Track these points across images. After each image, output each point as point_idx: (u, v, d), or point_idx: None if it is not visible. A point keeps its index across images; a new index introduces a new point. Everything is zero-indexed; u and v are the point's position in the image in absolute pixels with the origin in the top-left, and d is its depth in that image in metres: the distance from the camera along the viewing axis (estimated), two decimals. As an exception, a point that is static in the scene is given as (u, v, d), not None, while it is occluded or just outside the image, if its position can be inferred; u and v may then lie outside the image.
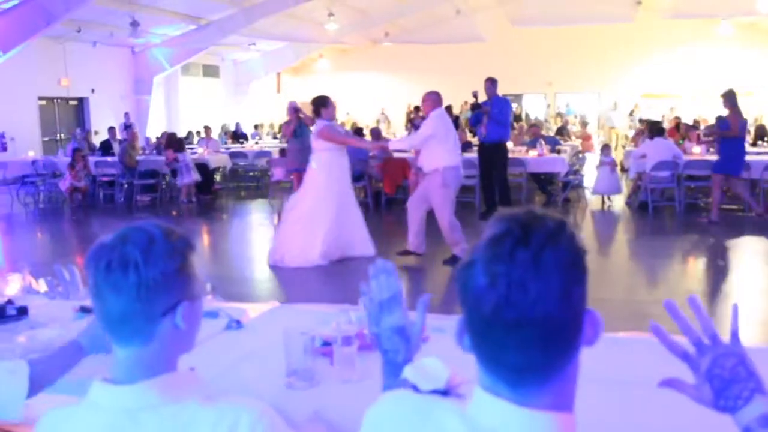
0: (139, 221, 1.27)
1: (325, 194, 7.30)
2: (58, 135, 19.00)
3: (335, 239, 7.33)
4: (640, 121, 15.30)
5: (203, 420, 1.18)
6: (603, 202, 11.24)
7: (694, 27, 23.43)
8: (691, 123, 15.57)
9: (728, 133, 9.16)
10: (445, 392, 1.16)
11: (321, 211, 7.28)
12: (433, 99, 7.13)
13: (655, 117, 18.93)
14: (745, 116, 9.44)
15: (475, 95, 10.04)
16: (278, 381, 1.99)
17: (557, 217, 0.96)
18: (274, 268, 7.41)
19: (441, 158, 6.96)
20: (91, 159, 13.18)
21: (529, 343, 0.92)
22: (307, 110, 9.88)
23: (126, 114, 17.28)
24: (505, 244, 0.91)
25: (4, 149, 16.60)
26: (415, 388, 1.18)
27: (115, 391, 1.21)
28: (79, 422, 1.23)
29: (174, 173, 12.62)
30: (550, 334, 0.92)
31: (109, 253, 1.21)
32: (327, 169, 7.37)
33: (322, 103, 7.54)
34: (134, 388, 1.20)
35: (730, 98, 9.13)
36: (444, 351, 1.40)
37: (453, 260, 7.18)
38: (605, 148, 11.65)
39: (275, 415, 1.22)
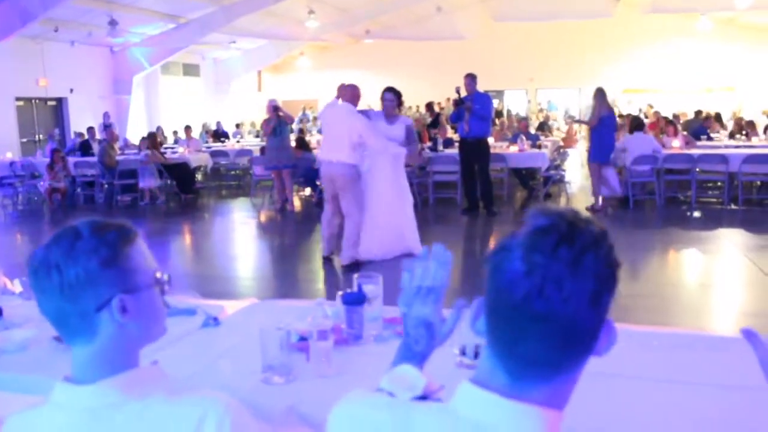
0: (73, 221, 1.26)
1: None
2: (37, 136, 18.81)
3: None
4: (621, 116, 15.34)
5: (169, 415, 1.16)
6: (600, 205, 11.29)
7: (674, 22, 23.63)
8: (670, 117, 15.65)
9: (584, 122, 11.44)
10: (423, 398, 1.16)
11: None
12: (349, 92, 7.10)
13: (635, 112, 19.04)
14: (612, 109, 10.82)
15: (458, 91, 10.04)
16: (255, 377, 1.98)
17: (601, 225, 0.97)
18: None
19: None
20: (71, 159, 13.06)
21: (550, 338, 0.93)
22: (291, 108, 9.86)
23: (105, 114, 17.13)
24: (550, 237, 0.92)
25: (-18, 151, 16.42)
26: (392, 396, 1.18)
27: (77, 391, 1.19)
28: (42, 424, 1.21)
29: (126, 174, 12.49)
30: (572, 334, 0.94)
31: (35, 257, 1.21)
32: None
33: None
34: (96, 387, 1.18)
35: (595, 94, 10.22)
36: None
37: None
38: None
39: (242, 409, 1.20)
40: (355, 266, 6.76)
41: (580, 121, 11.71)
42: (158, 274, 1.30)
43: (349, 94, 7.05)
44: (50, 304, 1.19)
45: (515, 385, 0.96)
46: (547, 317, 0.91)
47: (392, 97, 7.21)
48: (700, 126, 14.48)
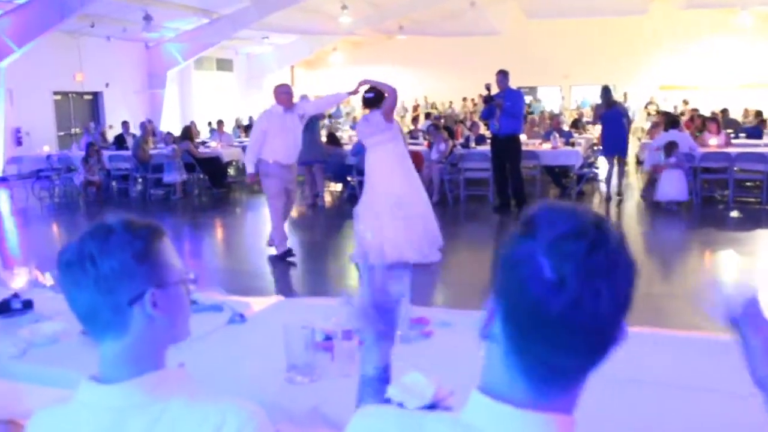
0: (107, 216, 1.27)
1: None
2: (73, 129, 19.10)
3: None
4: (658, 113, 15.14)
5: (189, 419, 1.16)
6: (612, 196, 11.13)
7: (710, 18, 23.19)
8: (708, 115, 15.37)
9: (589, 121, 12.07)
10: (432, 407, 1.13)
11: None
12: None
13: (671, 109, 18.76)
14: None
15: (487, 87, 9.95)
16: (279, 376, 1.97)
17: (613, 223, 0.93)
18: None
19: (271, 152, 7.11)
20: (105, 153, 13.22)
21: (584, 348, 0.90)
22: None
23: (148, 120, 17.24)
24: (581, 243, 0.87)
25: (20, 144, 16.73)
26: (401, 406, 1.15)
27: (102, 390, 1.19)
28: (68, 422, 1.21)
29: (160, 168, 12.58)
30: (604, 342, 0.90)
31: (68, 251, 1.21)
32: None
33: None
34: (121, 387, 1.18)
35: (601, 93, 11.20)
36: (448, 346, 1.37)
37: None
38: (670, 146, 10.10)
39: (264, 419, 1.19)
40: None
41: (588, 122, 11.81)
42: (186, 273, 1.30)
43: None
44: (83, 297, 1.19)
45: (536, 396, 0.92)
46: (586, 328, 0.87)
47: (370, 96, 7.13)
48: (756, 126, 14.16)
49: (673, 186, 9.89)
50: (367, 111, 7.43)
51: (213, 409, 1.17)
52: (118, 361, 1.21)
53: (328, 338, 2.12)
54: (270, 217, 7.52)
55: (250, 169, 7.26)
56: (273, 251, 7.57)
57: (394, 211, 6.74)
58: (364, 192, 7.19)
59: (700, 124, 12.98)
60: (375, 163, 7.00)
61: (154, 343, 1.23)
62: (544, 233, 0.89)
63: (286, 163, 7.23)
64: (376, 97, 7.05)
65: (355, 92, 7.28)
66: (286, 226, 7.78)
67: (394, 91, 6.99)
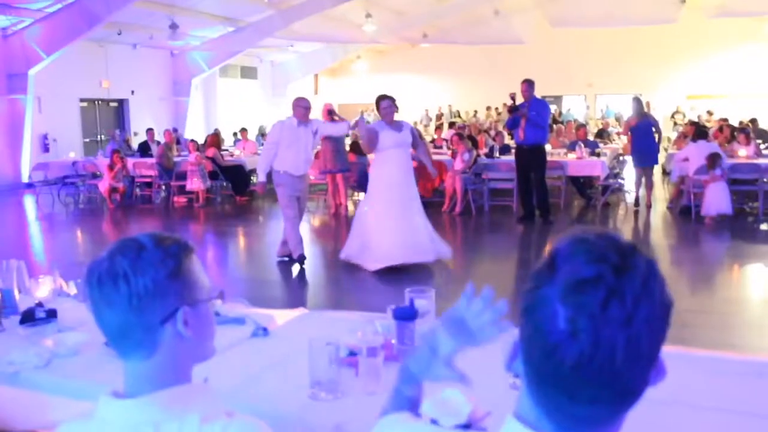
0: (135, 233, 1.25)
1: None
2: (99, 136, 19.29)
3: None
4: (685, 123, 14.98)
5: None
6: (641, 207, 10.99)
7: (740, 26, 22.91)
8: (737, 124, 15.17)
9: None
10: (467, 426, 1.09)
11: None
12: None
13: (697, 119, 18.55)
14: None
15: (512, 97, 9.89)
16: (302, 391, 1.94)
17: (645, 253, 0.88)
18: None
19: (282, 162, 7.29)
20: (130, 160, 13.33)
21: (602, 400, 0.86)
22: (348, 112, 9.89)
23: (173, 129, 17.38)
24: (597, 293, 0.82)
25: (47, 150, 16.92)
26: (435, 423, 1.11)
27: (119, 406, 1.18)
28: None
29: (183, 176, 12.64)
30: (626, 393, 0.86)
31: (99, 267, 1.19)
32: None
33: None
34: (138, 402, 1.17)
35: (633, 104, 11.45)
36: (475, 362, 1.33)
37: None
38: (714, 158, 9.80)
39: None
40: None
41: (618, 133, 11.95)
42: (214, 291, 1.29)
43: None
44: (114, 315, 1.17)
45: None
46: (600, 383, 0.83)
47: (389, 103, 7.15)
48: None
49: (719, 199, 9.62)
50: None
51: (223, 428, 1.15)
52: (143, 378, 1.20)
53: (353, 354, 2.08)
54: (283, 225, 7.67)
55: (261, 177, 7.51)
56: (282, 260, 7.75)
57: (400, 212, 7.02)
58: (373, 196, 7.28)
59: (729, 134, 12.79)
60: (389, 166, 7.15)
61: (181, 361, 1.22)
62: (562, 275, 0.85)
63: (296, 174, 7.39)
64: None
65: (354, 126, 7.52)
66: (305, 234, 7.84)
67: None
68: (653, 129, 10.97)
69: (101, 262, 1.20)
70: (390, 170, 7.13)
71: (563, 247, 0.88)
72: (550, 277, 0.86)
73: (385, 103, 7.17)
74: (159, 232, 1.24)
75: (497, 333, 1.26)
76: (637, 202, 11.05)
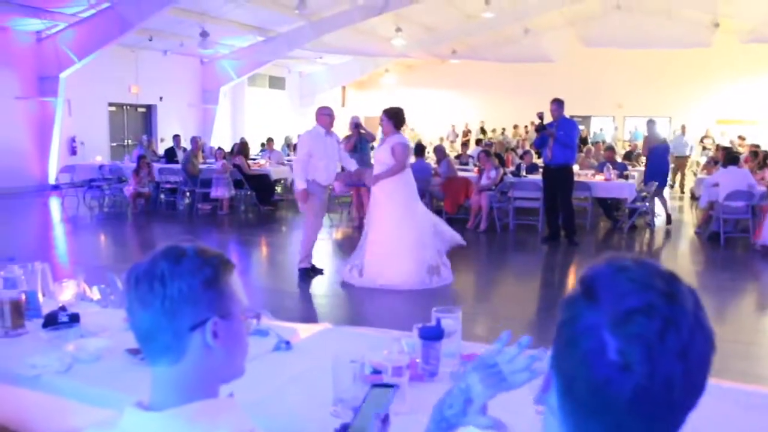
0: (159, 238, 1.23)
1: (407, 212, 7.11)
2: (126, 141, 19.47)
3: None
4: (719, 148, 14.82)
5: None
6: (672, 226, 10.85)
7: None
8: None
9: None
10: None
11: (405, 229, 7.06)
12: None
13: (728, 143, 18.31)
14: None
15: (540, 116, 9.82)
16: (324, 408, 1.91)
17: (684, 280, 0.84)
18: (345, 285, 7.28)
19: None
20: (156, 166, 13.42)
21: (648, 428, 0.81)
22: (375, 125, 9.87)
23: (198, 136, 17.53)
24: (651, 323, 0.78)
25: (74, 153, 17.10)
26: None
27: (145, 418, 1.17)
28: None
29: (208, 183, 12.67)
30: (677, 426, 0.82)
31: (140, 268, 1.21)
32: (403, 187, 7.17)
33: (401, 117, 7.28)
34: (164, 416, 1.15)
35: (648, 126, 12.70)
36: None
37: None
38: None
39: None
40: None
41: (638, 154, 12.80)
42: (251, 311, 1.27)
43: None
44: (146, 316, 1.18)
45: None
46: (653, 416, 0.79)
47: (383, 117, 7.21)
48: None
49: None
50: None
51: None
52: (169, 388, 1.19)
53: (377, 372, 2.03)
54: (305, 233, 7.72)
55: (301, 185, 7.31)
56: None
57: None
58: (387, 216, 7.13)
59: (762, 160, 12.60)
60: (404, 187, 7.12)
61: (207, 374, 1.21)
62: (608, 303, 0.80)
63: (323, 183, 7.46)
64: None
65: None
66: (331, 246, 7.80)
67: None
68: (668, 155, 11.96)
69: (143, 263, 1.21)
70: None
71: (601, 274, 0.83)
72: (591, 306, 0.81)
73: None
74: (204, 245, 1.25)
75: (530, 378, 1.25)
76: (669, 220, 11.76)
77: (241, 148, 13.55)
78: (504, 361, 1.25)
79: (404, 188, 7.08)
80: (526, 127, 24.21)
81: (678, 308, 0.79)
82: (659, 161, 11.59)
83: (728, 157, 10.74)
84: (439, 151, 12.73)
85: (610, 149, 13.51)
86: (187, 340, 1.18)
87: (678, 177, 17.58)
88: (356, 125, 11.11)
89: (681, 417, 0.82)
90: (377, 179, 7.06)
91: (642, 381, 0.77)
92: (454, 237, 7.39)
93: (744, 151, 15.40)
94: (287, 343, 2.45)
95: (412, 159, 12.36)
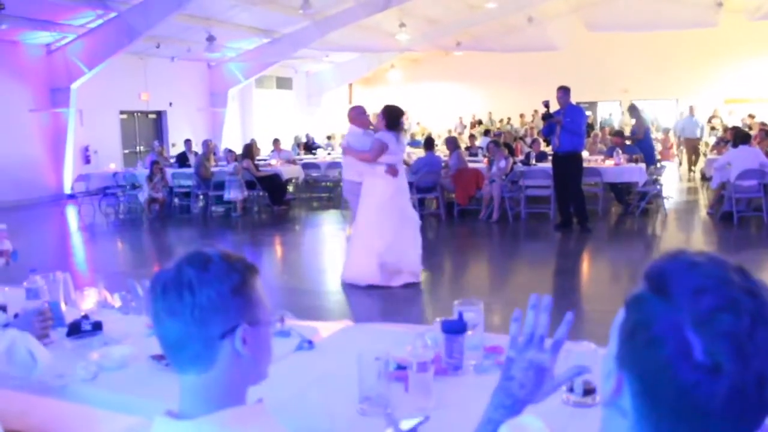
0: (202, 246, 1.24)
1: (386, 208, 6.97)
2: (138, 147, 19.56)
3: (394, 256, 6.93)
4: (729, 128, 14.69)
5: None
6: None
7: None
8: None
9: (630, 137, 12.58)
10: None
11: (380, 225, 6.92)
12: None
13: (737, 123, 18.18)
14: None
15: (545, 105, 9.80)
16: (351, 406, 1.92)
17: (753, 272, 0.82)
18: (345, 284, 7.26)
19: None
20: (168, 170, 13.49)
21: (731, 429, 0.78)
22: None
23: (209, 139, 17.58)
24: (740, 320, 0.75)
25: (88, 162, 17.20)
26: None
27: (177, 427, 1.17)
28: None
29: (221, 186, 12.71)
30: (763, 421, 0.79)
31: (166, 275, 1.19)
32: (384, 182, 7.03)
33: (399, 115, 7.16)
34: (195, 424, 1.15)
35: (632, 109, 13.14)
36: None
37: None
38: None
39: None
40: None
41: (628, 137, 12.65)
42: (279, 314, 1.29)
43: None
44: (175, 326, 1.17)
45: None
46: (746, 418, 0.77)
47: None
48: None
49: None
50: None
51: None
52: (198, 396, 1.18)
53: (401, 367, 2.05)
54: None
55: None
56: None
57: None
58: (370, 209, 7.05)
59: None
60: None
61: (236, 381, 1.21)
62: (686, 301, 0.77)
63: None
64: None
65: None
66: (344, 243, 7.78)
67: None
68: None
69: (168, 271, 1.19)
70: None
71: (672, 270, 0.81)
72: (667, 305, 0.79)
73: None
74: (227, 249, 1.25)
75: (550, 392, 1.26)
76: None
77: (247, 152, 13.52)
78: (534, 326, 1.26)
79: (394, 193, 6.94)
80: (532, 115, 24.17)
81: (760, 302, 0.77)
82: (650, 143, 12.58)
83: (739, 136, 10.68)
84: (451, 142, 12.74)
85: (618, 134, 13.47)
86: (217, 349, 1.17)
87: (684, 158, 17.50)
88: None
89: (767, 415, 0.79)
90: (347, 150, 7.23)
91: (734, 382, 0.74)
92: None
93: (755, 130, 15.31)
94: (310, 342, 2.46)
95: (422, 152, 12.45)
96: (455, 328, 2.11)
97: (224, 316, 1.17)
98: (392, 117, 6.99)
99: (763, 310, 0.77)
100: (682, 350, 0.76)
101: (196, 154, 14.42)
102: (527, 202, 11.10)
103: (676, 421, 0.79)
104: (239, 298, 1.18)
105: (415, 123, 25.96)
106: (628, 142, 12.20)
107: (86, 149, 17.33)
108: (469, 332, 2.17)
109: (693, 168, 17.19)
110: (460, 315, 2.15)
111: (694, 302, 0.77)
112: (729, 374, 0.74)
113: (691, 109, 17.52)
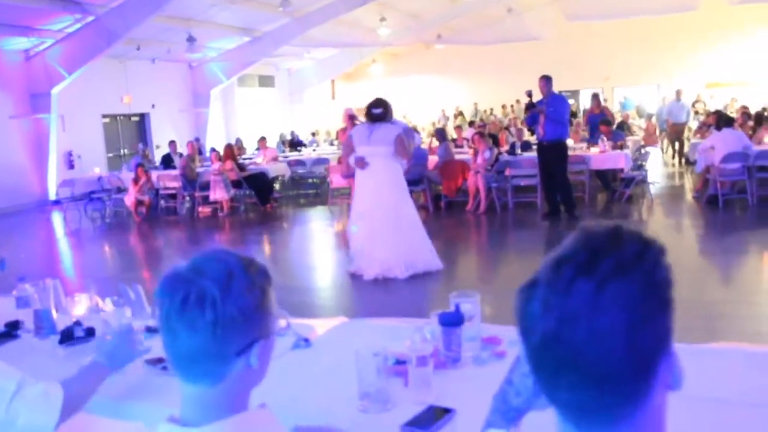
0: (215, 249, 1.20)
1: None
2: (122, 151, 19.45)
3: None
4: (711, 113, 14.76)
5: None
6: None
7: (760, 12, 22.54)
8: (759, 111, 14.95)
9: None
10: None
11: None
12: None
13: (719, 107, 18.29)
14: None
15: (528, 94, 9.84)
16: (351, 403, 1.91)
17: (647, 240, 0.83)
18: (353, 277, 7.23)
19: None
20: (154, 172, 13.42)
21: (580, 383, 0.81)
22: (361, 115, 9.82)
23: (195, 139, 17.47)
24: (566, 270, 0.81)
25: (72, 167, 17.09)
26: None
27: None
28: None
29: (207, 186, 12.66)
30: (606, 377, 0.80)
31: (185, 286, 1.13)
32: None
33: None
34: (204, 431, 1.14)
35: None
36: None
37: None
38: None
39: None
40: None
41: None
42: (283, 320, 1.27)
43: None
44: (193, 342, 1.12)
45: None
46: (568, 362, 0.80)
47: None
48: None
49: None
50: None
51: None
52: (203, 405, 1.16)
53: (399, 362, 2.05)
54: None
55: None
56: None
57: (385, 221, 6.86)
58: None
59: (756, 120, 12.60)
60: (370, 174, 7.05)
61: (243, 389, 1.20)
62: (547, 259, 0.85)
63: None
64: (384, 113, 7.11)
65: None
66: (333, 239, 7.78)
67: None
68: None
69: (186, 280, 1.13)
70: None
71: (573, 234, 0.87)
72: (543, 265, 0.86)
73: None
74: (243, 255, 1.20)
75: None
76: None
77: (229, 153, 13.38)
78: (517, 377, 1.23)
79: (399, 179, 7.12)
80: (512, 106, 24.24)
81: (597, 256, 0.81)
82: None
83: (722, 119, 10.75)
84: (440, 133, 12.75)
85: (604, 122, 13.50)
86: (231, 365, 1.14)
87: (667, 144, 17.59)
88: (351, 117, 11.11)
89: (602, 370, 0.80)
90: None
91: (553, 323, 0.80)
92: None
93: (736, 113, 15.41)
94: (306, 340, 2.45)
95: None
96: (453, 321, 2.11)
97: (243, 333, 1.14)
98: (367, 110, 7.18)
99: (594, 264, 0.81)
100: (528, 299, 0.84)
101: (180, 155, 14.35)
102: (514, 192, 11.13)
103: (531, 364, 0.87)
104: (258, 314, 1.15)
105: (401, 116, 25.96)
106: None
107: (69, 154, 17.21)
108: (467, 323, 2.16)
109: (678, 152, 17.26)
110: (457, 307, 2.15)
111: (549, 258, 0.85)
112: (549, 317, 0.81)
113: (678, 93, 17.51)
